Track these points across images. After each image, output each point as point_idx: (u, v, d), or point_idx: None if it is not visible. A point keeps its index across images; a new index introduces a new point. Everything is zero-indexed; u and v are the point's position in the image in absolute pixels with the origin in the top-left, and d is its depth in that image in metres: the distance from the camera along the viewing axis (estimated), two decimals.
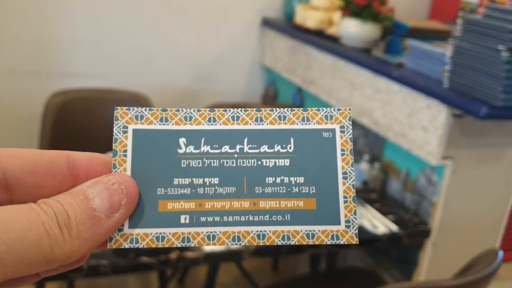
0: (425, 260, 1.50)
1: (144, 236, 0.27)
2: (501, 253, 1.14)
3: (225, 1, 2.16)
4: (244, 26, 2.23)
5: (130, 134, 0.29)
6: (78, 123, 1.81)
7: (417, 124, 1.44)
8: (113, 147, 0.28)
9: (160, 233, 0.27)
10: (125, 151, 0.28)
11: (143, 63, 2.11)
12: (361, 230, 1.37)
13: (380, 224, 1.40)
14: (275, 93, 2.31)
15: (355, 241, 0.28)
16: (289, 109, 0.30)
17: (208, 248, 1.19)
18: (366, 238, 1.37)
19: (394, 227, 1.40)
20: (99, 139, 1.80)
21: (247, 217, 0.27)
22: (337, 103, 1.80)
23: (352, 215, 0.28)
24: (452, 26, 1.39)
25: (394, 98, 1.52)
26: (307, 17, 1.99)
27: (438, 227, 1.46)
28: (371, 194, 1.59)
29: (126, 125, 0.29)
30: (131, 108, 0.29)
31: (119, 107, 0.29)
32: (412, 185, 1.52)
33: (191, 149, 0.28)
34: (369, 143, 1.71)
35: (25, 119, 1.95)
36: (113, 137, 0.28)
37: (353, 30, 1.77)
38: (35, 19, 1.90)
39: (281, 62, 2.18)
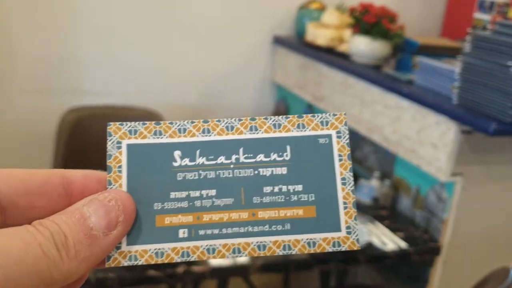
0: (436, 278, 1.48)
1: (143, 252, 0.26)
2: None
3: (238, 20, 2.19)
4: (255, 44, 2.25)
5: (124, 150, 0.28)
6: (92, 139, 1.84)
7: (426, 140, 1.43)
8: (107, 164, 0.28)
9: (159, 249, 0.26)
10: (120, 167, 0.28)
11: (156, 80, 2.14)
12: (370, 247, 1.36)
13: (389, 241, 1.39)
14: (286, 110, 2.32)
15: (357, 247, 0.27)
16: (284, 116, 0.29)
17: (215, 262, 1.18)
18: (375, 255, 1.36)
19: (403, 244, 1.38)
20: None
21: (246, 228, 0.27)
22: (348, 119, 1.80)
23: (352, 221, 0.27)
24: (462, 43, 1.39)
25: (404, 115, 1.52)
26: (318, 35, 2.01)
27: (448, 244, 1.44)
28: (381, 211, 1.58)
29: (120, 140, 0.28)
30: (124, 123, 0.29)
31: (111, 123, 0.29)
32: (422, 202, 1.51)
33: (186, 161, 0.28)
34: (379, 159, 1.71)
35: (39, 137, 1.98)
36: (107, 153, 0.28)
37: (363, 47, 1.77)
38: (48, 37, 1.95)
39: (292, 79, 2.19)
